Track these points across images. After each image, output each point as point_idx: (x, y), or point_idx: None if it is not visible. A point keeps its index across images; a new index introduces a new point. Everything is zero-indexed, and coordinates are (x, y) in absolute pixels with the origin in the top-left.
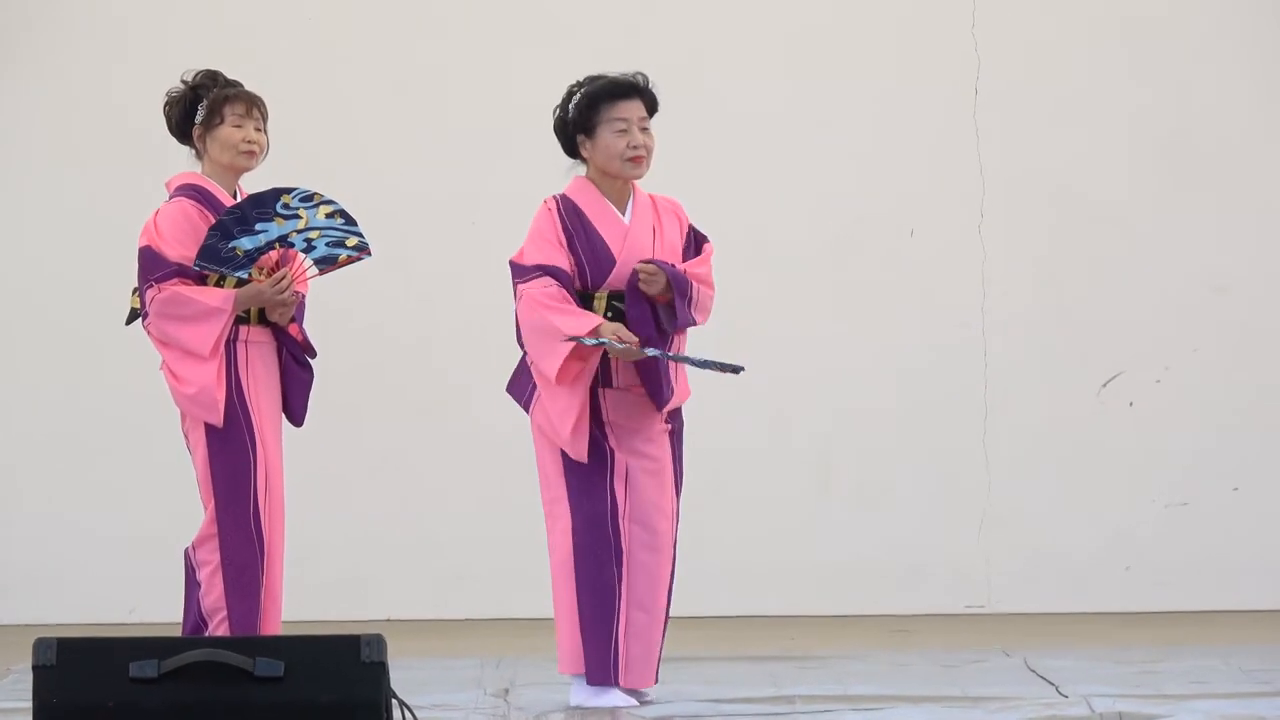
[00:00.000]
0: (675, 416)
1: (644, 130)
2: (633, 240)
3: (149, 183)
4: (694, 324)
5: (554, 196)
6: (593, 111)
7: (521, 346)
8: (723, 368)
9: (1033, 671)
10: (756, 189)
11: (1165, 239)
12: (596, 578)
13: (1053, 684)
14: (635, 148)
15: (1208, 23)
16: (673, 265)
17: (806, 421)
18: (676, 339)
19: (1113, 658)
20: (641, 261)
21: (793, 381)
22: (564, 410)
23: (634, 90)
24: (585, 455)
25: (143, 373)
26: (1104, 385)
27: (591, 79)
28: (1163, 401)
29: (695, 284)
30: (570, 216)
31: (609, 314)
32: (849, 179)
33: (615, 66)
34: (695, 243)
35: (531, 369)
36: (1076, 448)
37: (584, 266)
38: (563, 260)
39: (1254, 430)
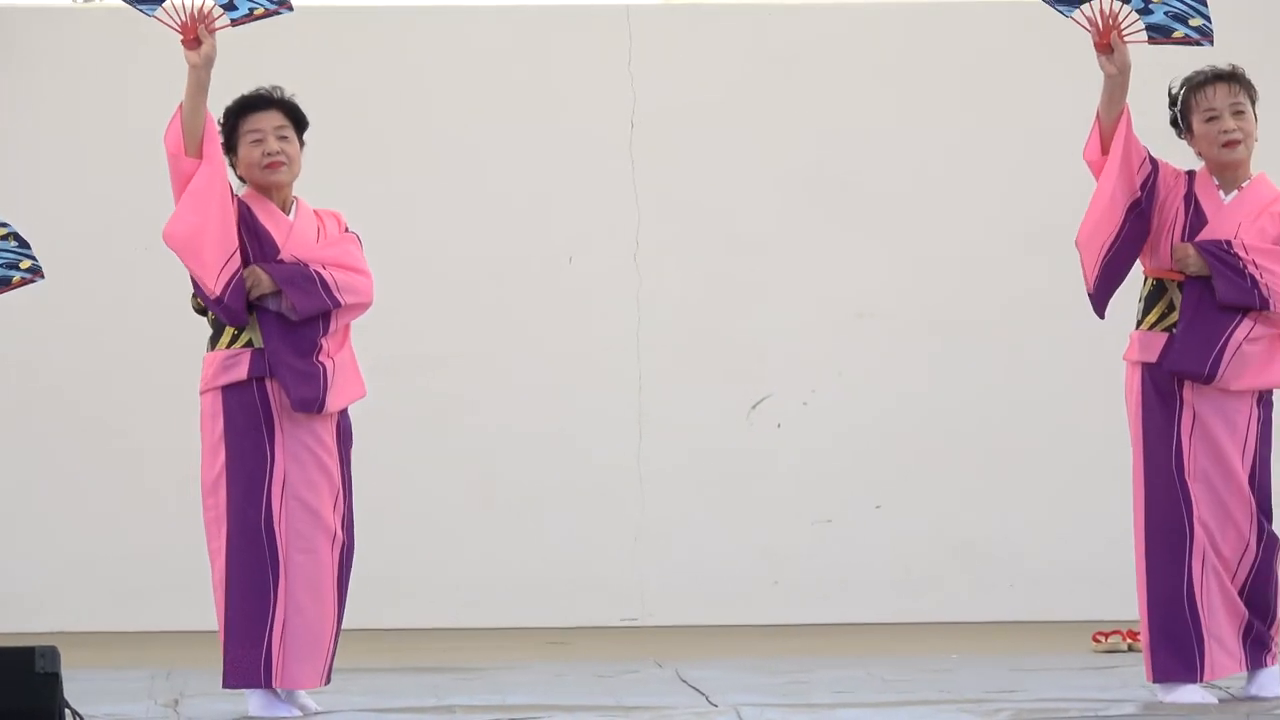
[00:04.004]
0: (343, 424)
1: (282, 139)
2: (296, 235)
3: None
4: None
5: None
6: (231, 129)
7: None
8: None
9: (684, 682)
10: (422, 210)
11: (811, 267)
12: (251, 583)
13: (703, 694)
14: (271, 154)
15: (853, 59)
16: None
17: (468, 436)
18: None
19: (761, 668)
20: None
21: (457, 397)
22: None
23: (267, 102)
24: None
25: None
26: (753, 407)
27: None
28: (809, 423)
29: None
30: (242, 207)
31: None
32: (514, 205)
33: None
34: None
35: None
36: (727, 466)
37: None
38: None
39: (895, 451)
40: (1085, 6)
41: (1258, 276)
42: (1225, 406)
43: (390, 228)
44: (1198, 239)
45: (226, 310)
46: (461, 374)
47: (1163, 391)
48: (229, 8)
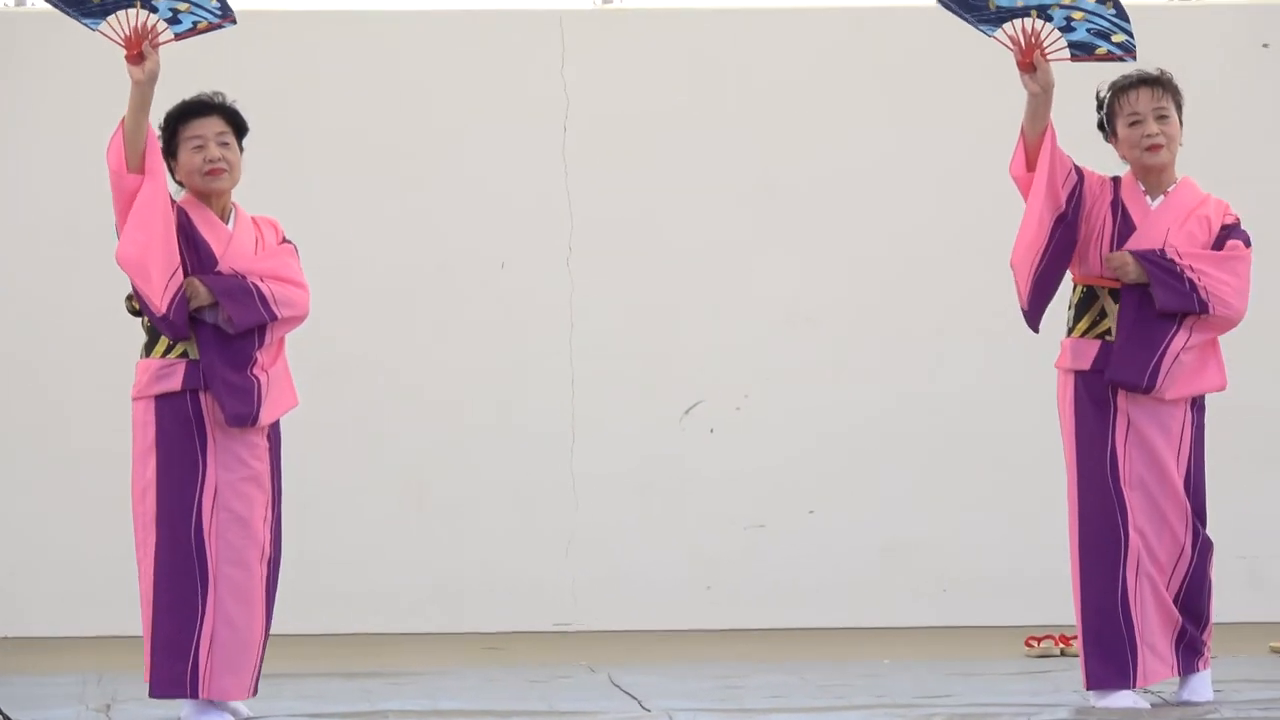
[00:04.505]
0: (274, 434)
1: (223, 145)
2: (235, 245)
3: None
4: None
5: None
6: (171, 134)
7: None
8: None
9: (617, 686)
10: (352, 216)
11: (744, 273)
12: (179, 595)
13: (636, 699)
14: (212, 161)
15: (786, 64)
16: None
17: (401, 441)
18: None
19: (694, 673)
20: None
21: (389, 402)
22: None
23: (208, 108)
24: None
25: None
26: (686, 412)
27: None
28: (742, 428)
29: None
30: (180, 215)
31: None
32: (446, 210)
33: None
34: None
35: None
36: (660, 471)
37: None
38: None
39: (827, 456)
40: (1008, 25)
41: (1196, 280)
42: (1160, 412)
43: (321, 232)
44: (1129, 247)
45: (170, 326)
46: (394, 379)
47: (1096, 398)
48: (173, 22)
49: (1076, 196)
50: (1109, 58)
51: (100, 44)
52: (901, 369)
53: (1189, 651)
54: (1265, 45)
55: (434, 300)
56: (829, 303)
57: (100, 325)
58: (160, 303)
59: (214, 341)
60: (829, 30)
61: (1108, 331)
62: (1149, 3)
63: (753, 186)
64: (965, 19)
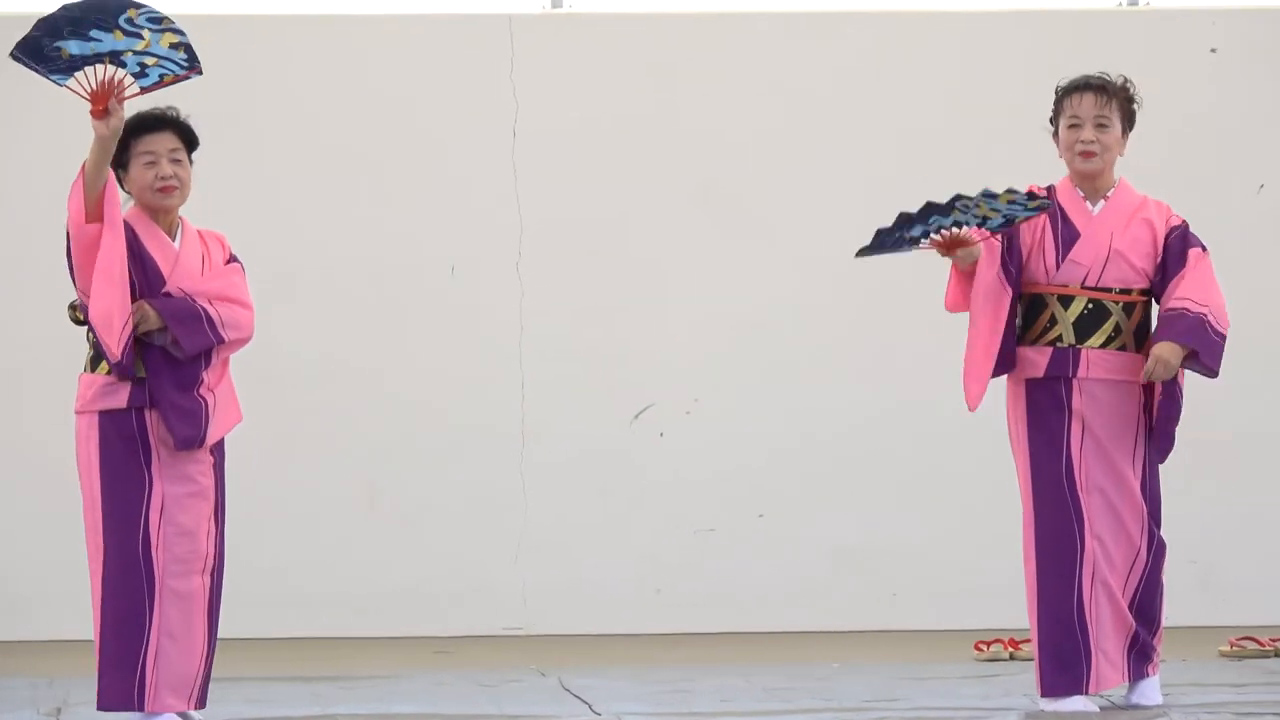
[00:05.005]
0: (218, 446)
1: (175, 162)
2: (182, 264)
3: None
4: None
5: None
6: (123, 147)
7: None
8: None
9: (567, 690)
10: (300, 220)
11: (693, 278)
12: (126, 609)
13: (586, 702)
14: (164, 179)
15: (735, 70)
16: None
17: (351, 446)
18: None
19: (644, 677)
20: None
21: (340, 406)
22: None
23: (162, 123)
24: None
25: None
26: (636, 416)
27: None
28: (692, 432)
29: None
30: (128, 232)
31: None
32: (396, 215)
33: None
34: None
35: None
36: (610, 475)
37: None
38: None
39: (777, 460)
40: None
41: (1214, 325)
42: (1115, 415)
43: (273, 237)
44: (1074, 255)
45: (121, 369)
46: (344, 383)
47: (1050, 405)
48: (140, 75)
49: (1015, 253)
50: (1030, 215)
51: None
52: (852, 375)
53: (1139, 658)
54: (1213, 50)
55: (385, 305)
56: (777, 308)
57: (45, 338)
58: (116, 350)
59: (163, 363)
60: (779, 34)
61: (1059, 338)
62: (1098, 7)
63: (700, 192)
64: None
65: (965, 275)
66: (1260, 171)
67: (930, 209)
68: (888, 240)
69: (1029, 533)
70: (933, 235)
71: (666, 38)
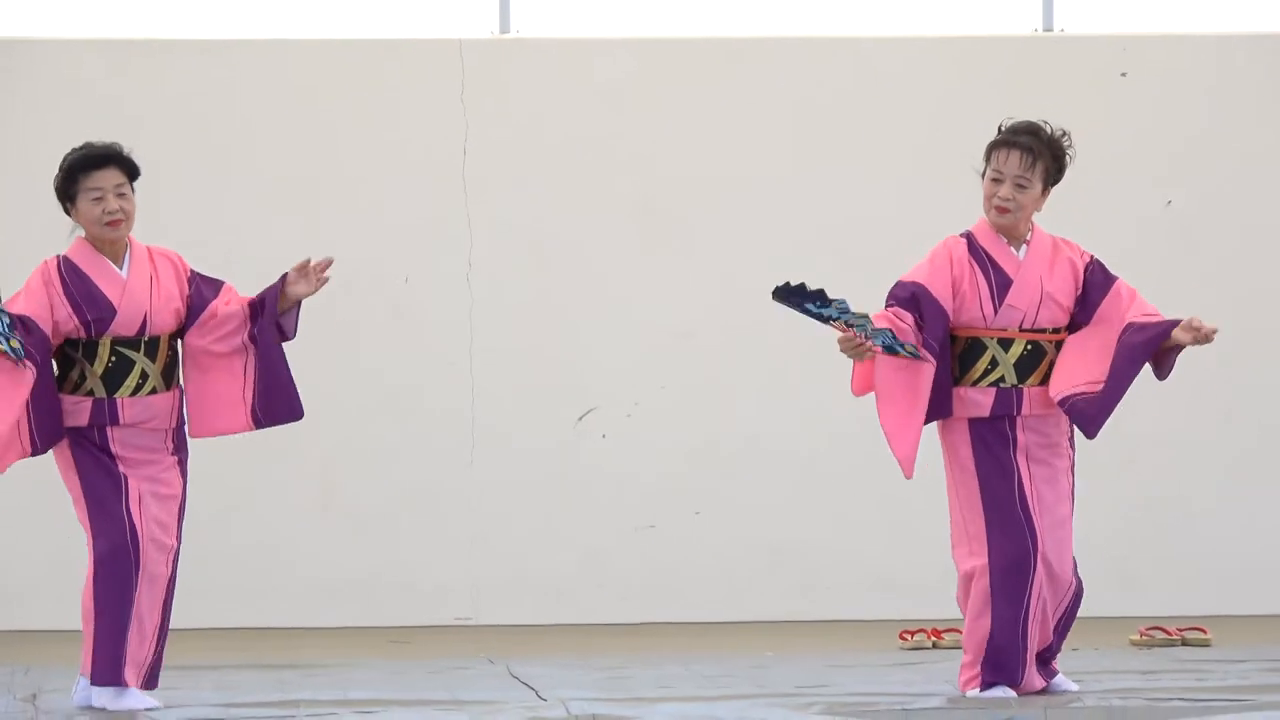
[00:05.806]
0: (182, 448)
1: (120, 196)
2: (130, 292)
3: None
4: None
5: (55, 256)
6: (71, 182)
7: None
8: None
9: (515, 678)
10: (259, 233)
11: (634, 288)
12: (119, 593)
13: (533, 689)
14: (111, 213)
15: (676, 91)
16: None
17: (309, 447)
18: None
19: (588, 665)
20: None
21: None
22: None
23: (106, 160)
24: None
25: None
26: (580, 418)
27: (74, 150)
28: (633, 434)
29: None
30: (69, 274)
31: (112, 359)
32: (353, 228)
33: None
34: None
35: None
36: (555, 474)
37: (86, 316)
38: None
39: (713, 459)
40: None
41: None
42: (1049, 446)
43: (227, 248)
44: (1010, 300)
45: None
46: (304, 387)
47: (995, 439)
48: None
49: (939, 335)
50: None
51: (20, 75)
52: (784, 380)
53: (1042, 664)
54: (1124, 75)
55: (342, 313)
56: (711, 319)
57: None
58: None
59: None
60: (718, 57)
61: (1001, 379)
62: (1013, 34)
63: (641, 208)
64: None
65: (868, 362)
66: (1168, 188)
67: (821, 296)
68: (794, 302)
69: (987, 555)
70: (843, 326)
71: (610, 63)
